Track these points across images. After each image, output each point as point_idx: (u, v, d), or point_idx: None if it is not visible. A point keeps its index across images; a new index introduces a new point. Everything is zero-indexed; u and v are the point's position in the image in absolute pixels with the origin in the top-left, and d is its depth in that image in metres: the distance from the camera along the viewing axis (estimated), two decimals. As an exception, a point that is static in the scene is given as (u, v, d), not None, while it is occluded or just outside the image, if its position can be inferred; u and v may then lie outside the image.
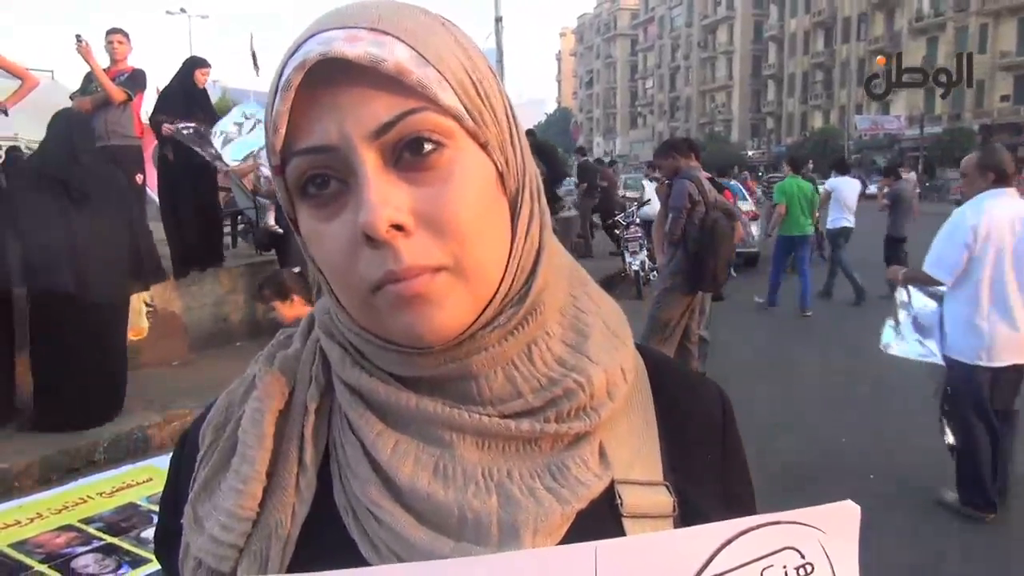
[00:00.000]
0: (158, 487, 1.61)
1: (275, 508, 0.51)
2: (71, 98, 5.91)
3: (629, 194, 13.80)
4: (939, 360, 3.68)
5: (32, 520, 1.53)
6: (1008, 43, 43.42)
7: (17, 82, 5.53)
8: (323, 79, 0.46)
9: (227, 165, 6.86)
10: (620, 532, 0.50)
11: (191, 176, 6.13)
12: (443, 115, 0.47)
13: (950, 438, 3.69)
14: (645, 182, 13.34)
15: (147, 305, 5.08)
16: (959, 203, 3.98)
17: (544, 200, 0.55)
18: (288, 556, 0.50)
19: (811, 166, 13.66)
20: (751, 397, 4.88)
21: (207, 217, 6.45)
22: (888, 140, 46.42)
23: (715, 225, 4.77)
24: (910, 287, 3.93)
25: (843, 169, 10.29)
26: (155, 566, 1.37)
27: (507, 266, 0.51)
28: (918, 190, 14.78)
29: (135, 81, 5.88)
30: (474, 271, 0.48)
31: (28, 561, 1.39)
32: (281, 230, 6.62)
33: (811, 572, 0.44)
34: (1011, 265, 3.41)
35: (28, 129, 6.29)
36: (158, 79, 6.69)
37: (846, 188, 9.67)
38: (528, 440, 0.51)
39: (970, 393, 3.50)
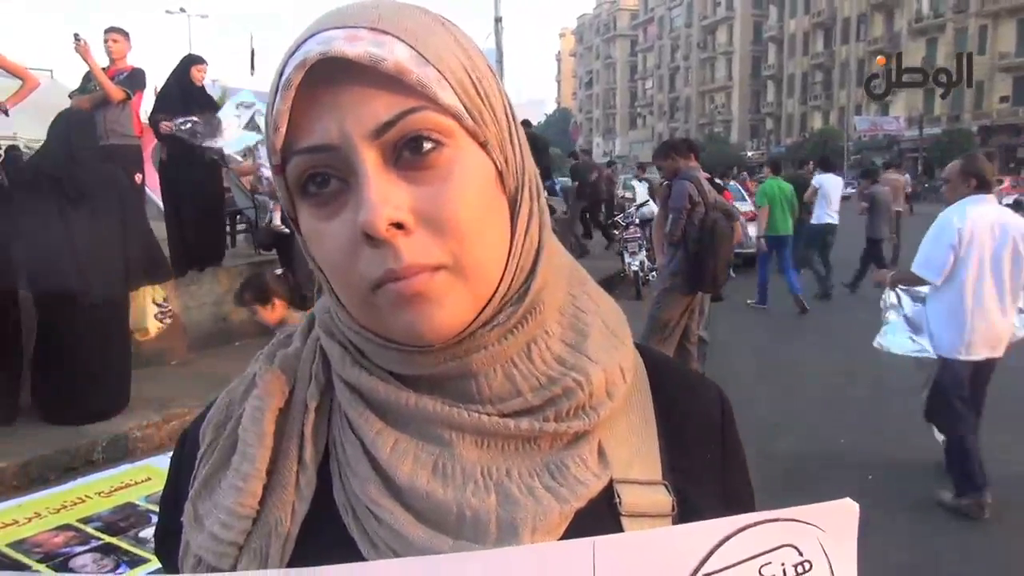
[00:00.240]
0: (157, 487, 1.61)
1: (275, 506, 0.51)
2: (70, 97, 5.90)
3: (625, 195, 13.81)
4: (931, 354, 3.84)
5: (30, 519, 1.53)
6: (1007, 44, 43.43)
7: (17, 82, 5.52)
8: (323, 78, 0.46)
9: (229, 164, 6.84)
10: (618, 531, 0.50)
11: (194, 173, 6.11)
12: (443, 114, 0.47)
13: (939, 436, 3.86)
14: (635, 183, 13.37)
15: (159, 306, 4.98)
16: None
17: (544, 199, 0.55)
18: (288, 554, 0.50)
19: (811, 166, 13.68)
20: (751, 397, 4.89)
21: (212, 215, 6.42)
22: (887, 141, 46.38)
23: (715, 226, 4.78)
24: (899, 289, 4.14)
25: (828, 166, 10.42)
26: (153, 565, 1.37)
27: (507, 265, 0.51)
28: (909, 190, 14.87)
29: (134, 80, 5.86)
30: (474, 270, 0.48)
31: (26, 560, 1.39)
32: (287, 230, 6.60)
33: (809, 570, 0.44)
34: (989, 267, 3.59)
35: (28, 129, 6.30)
36: (158, 79, 6.67)
37: (831, 185, 9.80)
38: (527, 439, 0.51)
39: (955, 386, 3.67)
